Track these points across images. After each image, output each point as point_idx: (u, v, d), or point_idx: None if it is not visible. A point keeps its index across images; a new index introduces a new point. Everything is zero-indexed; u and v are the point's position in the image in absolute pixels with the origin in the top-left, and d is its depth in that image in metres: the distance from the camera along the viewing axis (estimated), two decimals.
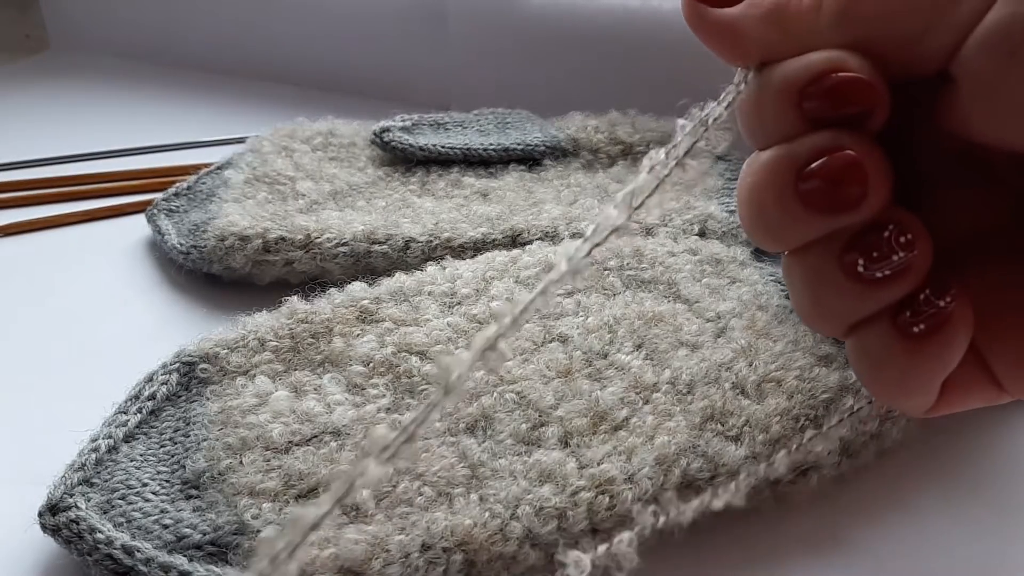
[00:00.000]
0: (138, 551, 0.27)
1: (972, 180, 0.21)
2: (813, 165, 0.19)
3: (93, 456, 0.31)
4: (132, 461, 0.31)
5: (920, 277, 0.19)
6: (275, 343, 0.36)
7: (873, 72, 0.19)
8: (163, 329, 0.43)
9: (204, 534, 0.28)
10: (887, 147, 0.20)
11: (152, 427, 0.33)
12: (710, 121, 0.20)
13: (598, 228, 0.20)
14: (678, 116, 0.21)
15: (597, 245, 0.19)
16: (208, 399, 0.34)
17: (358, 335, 0.36)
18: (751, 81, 0.20)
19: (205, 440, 0.32)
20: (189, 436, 0.32)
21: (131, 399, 0.33)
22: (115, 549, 0.28)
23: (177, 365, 0.35)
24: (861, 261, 0.19)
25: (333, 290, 0.39)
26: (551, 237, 0.44)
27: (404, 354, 0.35)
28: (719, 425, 0.32)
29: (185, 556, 0.28)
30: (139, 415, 0.33)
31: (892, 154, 0.20)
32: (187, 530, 0.28)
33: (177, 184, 0.51)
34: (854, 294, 0.20)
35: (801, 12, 0.20)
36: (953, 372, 0.21)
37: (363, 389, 0.34)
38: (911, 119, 0.21)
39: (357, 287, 0.39)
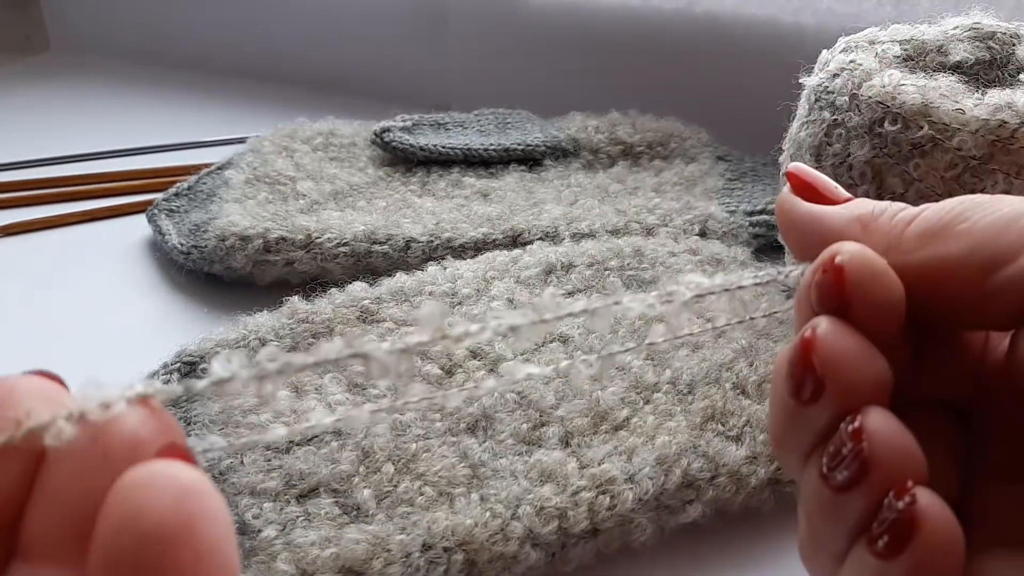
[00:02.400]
0: None
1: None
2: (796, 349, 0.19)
3: None
4: None
5: (878, 475, 0.17)
6: (276, 343, 0.36)
7: (863, 266, 0.18)
8: (163, 329, 0.43)
9: None
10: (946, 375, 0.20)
11: None
12: (739, 286, 0.20)
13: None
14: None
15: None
16: (209, 399, 0.34)
17: (359, 335, 0.36)
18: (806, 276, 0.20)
19: None
20: (189, 436, 0.32)
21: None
22: None
23: (178, 365, 0.35)
24: (825, 462, 0.18)
25: (334, 290, 0.39)
26: (551, 237, 0.44)
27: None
28: (720, 425, 0.32)
29: None
30: None
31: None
32: None
33: (178, 184, 0.51)
34: (830, 508, 0.18)
35: (891, 223, 0.20)
36: None
37: (364, 389, 0.34)
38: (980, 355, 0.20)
39: (358, 287, 0.39)
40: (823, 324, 0.18)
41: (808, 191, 0.21)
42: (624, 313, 0.19)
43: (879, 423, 0.17)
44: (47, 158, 0.59)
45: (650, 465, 0.30)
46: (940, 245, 0.19)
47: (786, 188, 0.22)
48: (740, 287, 0.20)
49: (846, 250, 0.19)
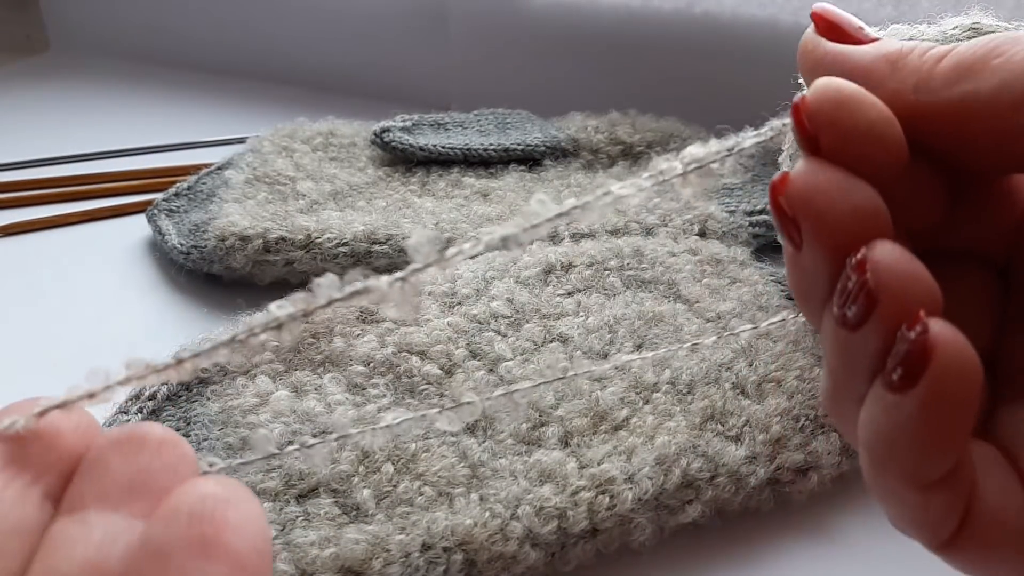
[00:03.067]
0: None
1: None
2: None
3: None
4: None
5: (887, 306, 0.16)
6: (275, 343, 0.36)
7: (825, 96, 0.18)
8: (163, 329, 0.43)
9: None
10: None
11: None
12: (741, 146, 0.19)
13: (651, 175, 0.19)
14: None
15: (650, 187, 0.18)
16: (209, 399, 0.34)
17: (358, 335, 0.36)
18: None
19: (206, 440, 0.32)
20: (190, 436, 0.32)
21: (131, 399, 0.33)
22: None
23: None
24: (836, 300, 0.17)
25: None
26: (551, 237, 0.44)
27: (404, 354, 0.35)
28: (719, 425, 0.32)
29: None
30: (139, 415, 0.33)
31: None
32: None
33: (177, 184, 0.51)
34: (847, 349, 0.17)
35: (920, 60, 0.19)
36: (984, 499, 0.17)
37: (363, 389, 0.34)
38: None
39: None
40: (796, 165, 0.17)
41: (833, 31, 0.20)
42: (618, 203, 0.18)
43: (883, 254, 0.16)
44: (47, 158, 0.59)
45: (649, 465, 0.30)
46: (972, 81, 0.18)
47: (810, 29, 0.21)
48: (741, 149, 0.19)
49: (812, 85, 0.18)
